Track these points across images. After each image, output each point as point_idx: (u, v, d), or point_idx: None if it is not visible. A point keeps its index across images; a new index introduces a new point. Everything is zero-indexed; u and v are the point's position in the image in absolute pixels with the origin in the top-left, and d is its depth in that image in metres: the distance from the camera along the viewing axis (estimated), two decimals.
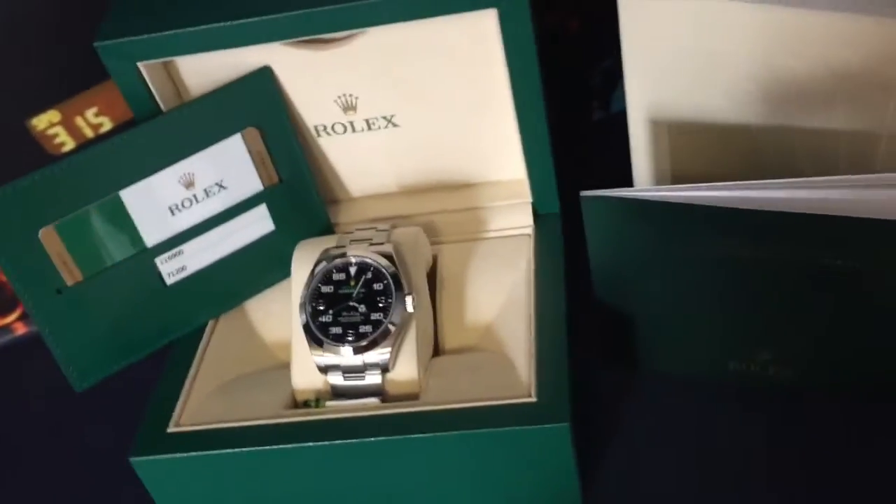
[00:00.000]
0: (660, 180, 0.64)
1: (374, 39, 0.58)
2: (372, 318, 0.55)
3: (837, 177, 0.49)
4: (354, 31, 0.57)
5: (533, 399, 0.52)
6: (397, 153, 0.64)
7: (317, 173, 0.65)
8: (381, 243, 0.57)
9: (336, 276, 0.57)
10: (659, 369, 0.60)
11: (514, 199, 0.64)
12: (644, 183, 0.65)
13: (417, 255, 0.59)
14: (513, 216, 0.64)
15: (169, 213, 0.58)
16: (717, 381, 0.58)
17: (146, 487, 0.55)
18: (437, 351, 0.59)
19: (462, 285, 0.61)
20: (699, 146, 0.61)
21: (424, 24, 0.55)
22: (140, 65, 0.57)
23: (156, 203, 0.58)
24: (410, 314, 0.56)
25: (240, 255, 0.61)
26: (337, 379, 0.56)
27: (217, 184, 0.59)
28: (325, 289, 0.56)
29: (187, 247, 0.60)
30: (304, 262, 0.59)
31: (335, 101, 0.61)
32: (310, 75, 0.60)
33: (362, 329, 0.55)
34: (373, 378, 0.55)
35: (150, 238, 0.58)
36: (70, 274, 0.56)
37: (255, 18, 0.55)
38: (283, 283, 0.61)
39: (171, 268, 0.59)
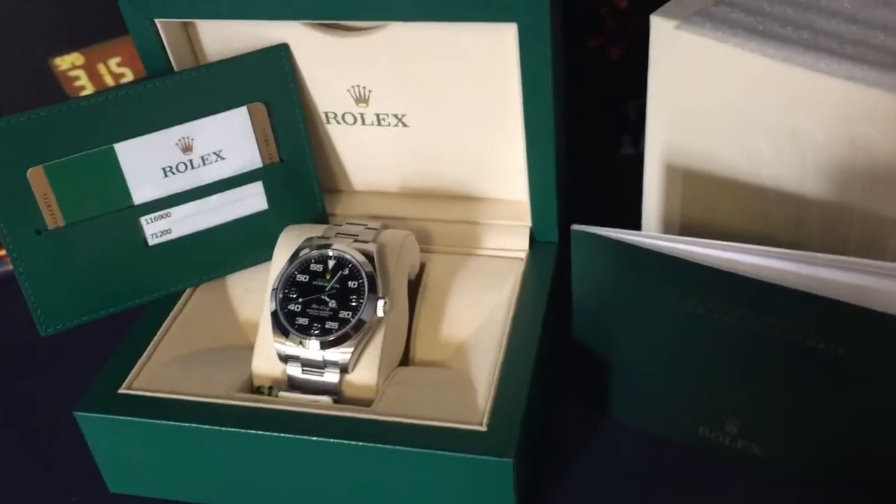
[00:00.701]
0: (668, 224, 0.62)
1: (394, 35, 0.57)
2: (340, 315, 0.54)
3: (841, 257, 0.47)
4: (375, 22, 0.56)
5: (483, 428, 0.50)
6: (404, 153, 0.63)
7: (321, 160, 0.64)
8: (367, 241, 0.56)
9: (313, 267, 0.55)
10: (629, 421, 0.57)
11: (514, 221, 0.62)
12: (652, 225, 0.63)
13: (402, 259, 0.57)
14: (509, 238, 0.62)
15: (162, 173, 0.58)
16: (688, 444, 0.56)
17: (87, 443, 0.55)
18: (407, 359, 0.58)
19: (444, 298, 0.60)
20: (711, 197, 0.58)
21: (445, 28, 0.54)
22: (158, 21, 0.56)
23: (150, 162, 0.57)
24: (380, 318, 0.54)
25: (228, 228, 0.61)
26: (295, 371, 0.54)
27: (215, 153, 0.58)
28: (301, 277, 0.55)
29: (176, 211, 0.59)
30: (286, 246, 0.58)
31: (348, 90, 0.60)
32: (327, 60, 0.59)
33: (329, 325, 0.54)
34: (331, 376, 0.54)
35: (139, 195, 0.58)
36: (52, 217, 0.56)
37: None
38: (269, 263, 0.60)
39: (156, 229, 0.59)
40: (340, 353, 0.53)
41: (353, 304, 0.54)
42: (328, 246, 0.56)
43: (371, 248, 0.56)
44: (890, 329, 0.44)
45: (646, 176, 0.61)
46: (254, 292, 0.61)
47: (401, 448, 0.49)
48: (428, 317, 0.59)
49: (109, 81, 0.70)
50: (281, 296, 0.55)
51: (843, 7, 0.53)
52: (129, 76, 0.70)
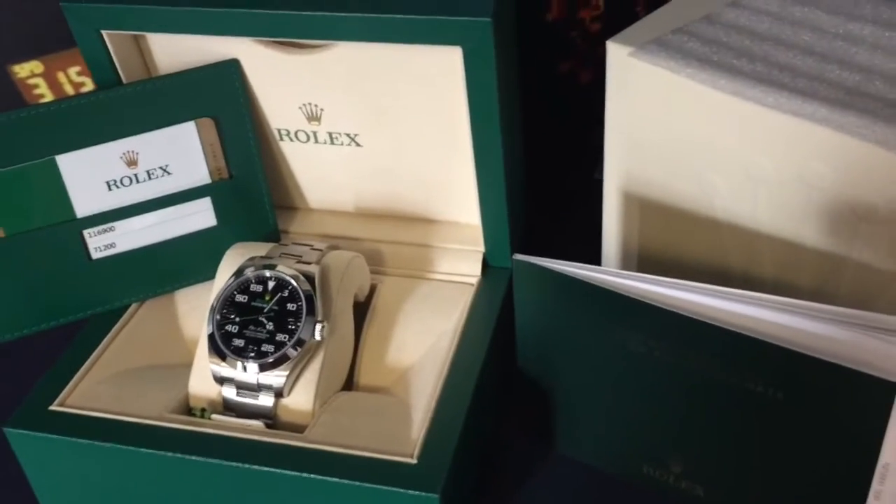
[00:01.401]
0: (626, 253, 0.61)
1: (344, 54, 0.56)
2: (277, 338, 0.53)
3: (786, 299, 0.45)
4: (325, 41, 0.55)
5: (413, 461, 0.48)
6: (357, 173, 0.62)
7: (274, 177, 0.63)
8: (310, 263, 0.55)
9: (253, 288, 0.54)
10: (574, 455, 0.56)
11: (467, 245, 0.61)
12: (611, 252, 0.62)
13: (346, 282, 0.56)
14: (461, 262, 0.61)
15: (106, 187, 0.57)
16: (633, 482, 0.54)
17: (18, 460, 0.54)
18: (351, 383, 0.57)
19: (392, 322, 0.58)
20: (668, 227, 0.57)
21: (395, 48, 0.53)
22: (105, 33, 0.55)
23: (93, 175, 0.56)
24: (318, 342, 0.53)
25: (176, 244, 0.59)
26: (230, 393, 0.53)
27: (162, 168, 0.57)
28: (240, 298, 0.54)
29: (120, 225, 0.58)
30: (230, 264, 0.57)
31: (300, 108, 0.59)
32: (278, 77, 0.58)
33: (265, 347, 0.53)
34: (266, 400, 0.53)
35: (82, 208, 0.57)
36: None
37: (223, 9, 0.53)
38: None
39: (100, 242, 0.58)
40: (275, 377, 0.52)
41: (291, 326, 0.53)
42: (271, 266, 0.55)
43: (313, 269, 0.54)
44: (828, 375, 0.42)
45: (605, 202, 0.60)
46: (199, 309, 0.60)
47: (328, 479, 0.48)
48: (374, 341, 0.58)
49: (69, 90, 0.69)
50: (219, 316, 0.54)
51: (802, 39, 0.51)
52: (89, 85, 0.69)
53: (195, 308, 0.61)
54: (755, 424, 0.47)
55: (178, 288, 0.61)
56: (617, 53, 0.53)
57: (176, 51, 0.58)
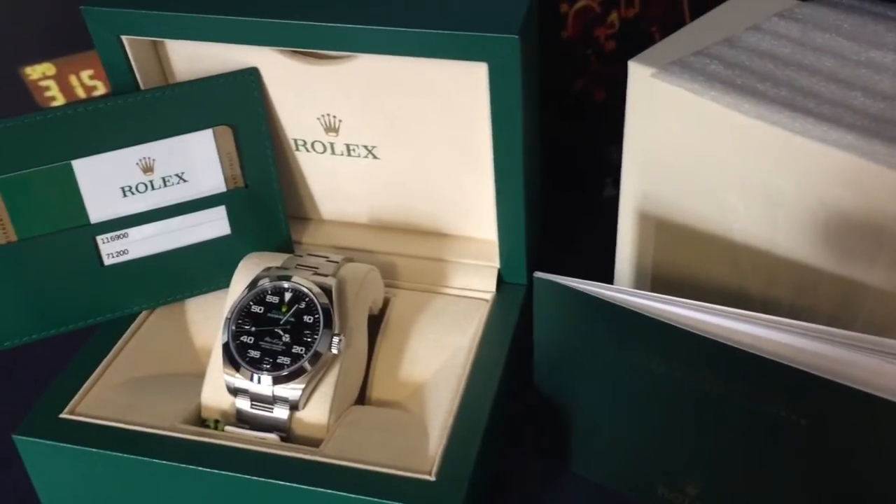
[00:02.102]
0: (640, 272, 0.61)
1: (365, 66, 0.55)
2: (293, 350, 0.52)
3: (808, 324, 0.45)
4: (346, 53, 0.55)
5: (431, 478, 0.48)
6: (374, 186, 0.61)
7: (289, 187, 0.62)
8: (326, 275, 0.55)
9: (269, 299, 0.54)
10: (588, 475, 0.56)
11: (482, 261, 0.61)
12: (625, 271, 0.62)
13: (362, 295, 0.56)
14: (476, 278, 0.60)
15: (121, 193, 0.56)
16: (646, 503, 0.54)
17: (26, 467, 0.53)
18: (363, 396, 0.56)
19: (405, 337, 0.58)
20: (684, 248, 0.57)
21: (417, 62, 0.53)
22: (124, 38, 0.55)
23: (108, 180, 0.56)
24: (335, 356, 0.53)
25: (189, 252, 0.59)
26: (244, 404, 0.53)
27: (178, 175, 0.57)
28: (256, 309, 0.54)
29: (134, 231, 0.57)
30: (244, 274, 0.56)
31: (318, 118, 0.59)
32: (297, 87, 0.57)
33: (281, 360, 0.52)
34: (280, 412, 0.52)
35: (96, 214, 0.56)
36: (4, 232, 0.54)
37: (244, 18, 0.52)
38: None
39: (113, 249, 0.57)
40: (291, 390, 0.52)
41: (308, 339, 0.52)
42: (287, 277, 0.54)
43: (330, 282, 0.54)
44: (854, 403, 0.43)
45: (620, 221, 0.60)
46: (211, 318, 0.60)
47: (345, 494, 0.47)
48: (388, 355, 0.58)
49: (81, 94, 0.68)
50: (234, 327, 0.53)
51: (825, 65, 0.52)
52: (101, 90, 0.68)
53: (207, 317, 0.60)
54: (774, 448, 0.47)
55: (189, 296, 0.60)
56: (639, 74, 0.53)
57: (194, 58, 0.57)
